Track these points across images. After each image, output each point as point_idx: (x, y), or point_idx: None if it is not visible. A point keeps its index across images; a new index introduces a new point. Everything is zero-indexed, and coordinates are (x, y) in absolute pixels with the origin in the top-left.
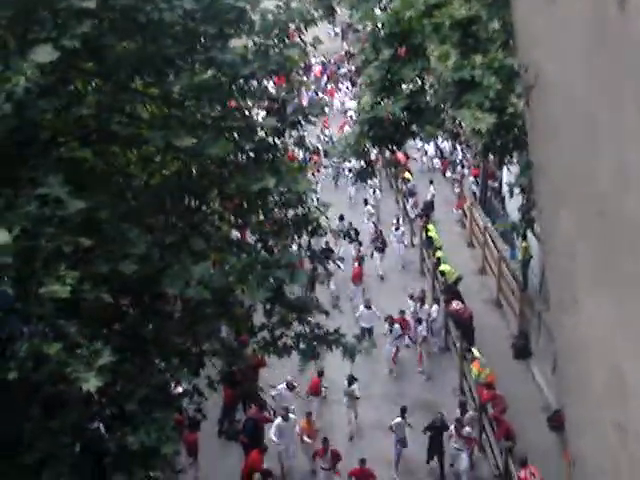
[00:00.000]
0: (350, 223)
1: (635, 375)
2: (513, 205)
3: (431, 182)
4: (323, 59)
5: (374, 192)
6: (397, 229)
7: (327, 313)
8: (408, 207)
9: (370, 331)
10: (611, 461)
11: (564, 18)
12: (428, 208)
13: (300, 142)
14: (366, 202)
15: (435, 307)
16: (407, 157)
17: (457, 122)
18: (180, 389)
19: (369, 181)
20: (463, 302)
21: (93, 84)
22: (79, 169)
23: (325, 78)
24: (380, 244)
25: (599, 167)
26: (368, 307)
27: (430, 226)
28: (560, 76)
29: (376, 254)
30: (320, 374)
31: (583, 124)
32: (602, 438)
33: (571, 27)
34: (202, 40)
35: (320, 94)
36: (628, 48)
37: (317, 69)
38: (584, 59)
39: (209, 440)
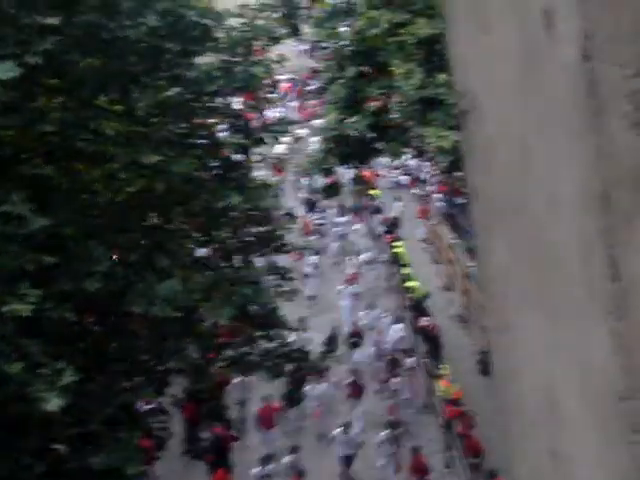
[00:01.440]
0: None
1: (568, 399)
2: None
3: (396, 199)
4: (291, 76)
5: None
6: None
7: (293, 329)
8: (374, 224)
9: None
10: None
11: (497, 46)
12: (393, 225)
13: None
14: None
15: (400, 325)
16: (374, 174)
17: (423, 140)
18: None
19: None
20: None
21: (57, 101)
22: (43, 186)
23: (294, 95)
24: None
25: (530, 191)
26: None
27: (398, 242)
28: (494, 102)
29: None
30: None
31: (516, 151)
32: (538, 465)
33: (504, 55)
34: (167, 57)
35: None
36: (556, 72)
37: (285, 85)
38: (516, 85)
39: (175, 459)
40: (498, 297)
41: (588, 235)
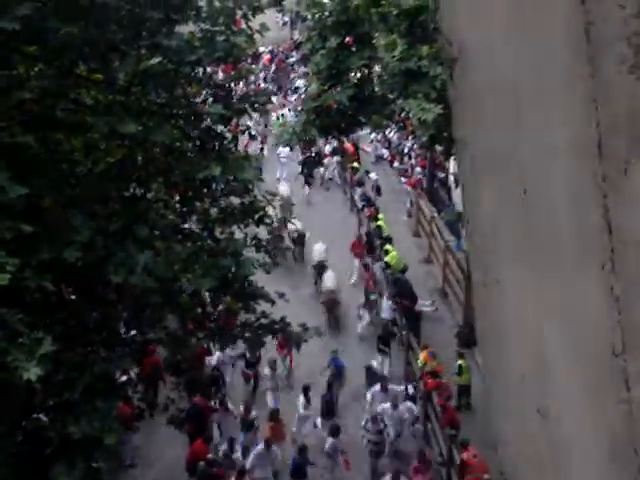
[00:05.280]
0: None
1: (556, 357)
2: (459, 195)
3: (367, 172)
4: (272, 48)
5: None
6: None
7: (273, 302)
8: (356, 197)
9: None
10: (533, 447)
11: None
12: (368, 199)
13: (246, 130)
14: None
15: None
16: (356, 147)
17: (404, 113)
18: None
19: None
20: (413, 295)
21: (36, 69)
22: (21, 155)
23: (273, 67)
24: None
25: (521, 141)
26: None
27: (379, 215)
28: (482, 45)
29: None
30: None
31: (507, 99)
32: (523, 424)
33: (494, 0)
34: (148, 26)
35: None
36: (550, 16)
37: (266, 57)
38: (504, 25)
39: (154, 428)
40: (486, 251)
41: (581, 185)
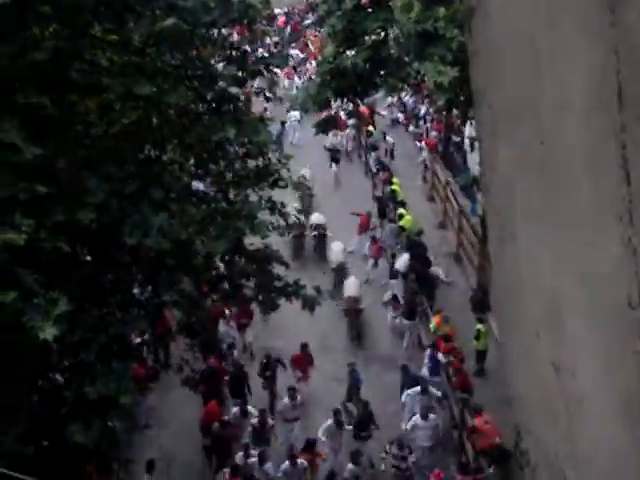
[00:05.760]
0: None
1: (573, 310)
2: (475, 160)
3: (384, 135)
4: (287, 9)
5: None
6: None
7: (287, 265)
8: (371, 161)
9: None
10: (547, 401)
11: None
12: (382, 163)
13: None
14: None
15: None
16: (371, 111)
17: (420, 76)
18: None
19: None
20: (427, 259)
21: (50, 29)
22: (36, 116)
23: (289, 29)
24: None
25: (540, 93)
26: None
27: (394, 179)
28: None
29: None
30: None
31: (524, 47)
32: (538, 376)
33: None
34: None
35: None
36: None
37: (281, 20)
38: None
39: (169, 390)
40: (503, 206)
41: (599, 137)
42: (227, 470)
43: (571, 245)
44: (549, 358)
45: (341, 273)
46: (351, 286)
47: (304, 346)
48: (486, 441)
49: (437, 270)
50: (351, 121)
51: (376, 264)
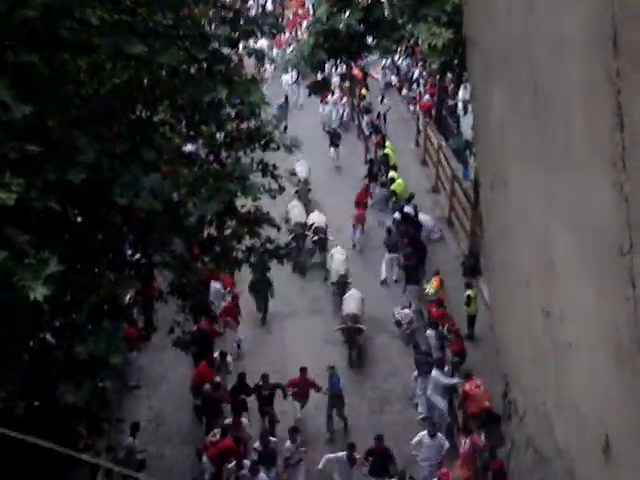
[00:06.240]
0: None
1: (564, 255)
2: (468, 123)
3: (382, 98)
4: None
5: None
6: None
7: (278, 227)
8: (363, 124)
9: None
10: (535, 349)
11: None
12: (376, 126)
13: (253, 52)
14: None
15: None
16: (365, 74)
17: (414, 38)
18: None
19: None
20: (418, 223)
21: None
22: (26, 74)
23: None
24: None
25: (533, 38)
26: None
27: (387, 143)
28: None
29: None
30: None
31: None
32: (526, 324)
33: None
34: None
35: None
36: None
37: None
38: None
39: (159, 350)
40: (495, 153)
41: (593, 81)
42: (217, 431)
43: (563, 190)
44: (539, 305)
45: (343, 287)
46: (351, 303)
47: (303, 370)
48: (476, 405)
49: (426, 219)
50: (346, 84)
51: (362, 231)
